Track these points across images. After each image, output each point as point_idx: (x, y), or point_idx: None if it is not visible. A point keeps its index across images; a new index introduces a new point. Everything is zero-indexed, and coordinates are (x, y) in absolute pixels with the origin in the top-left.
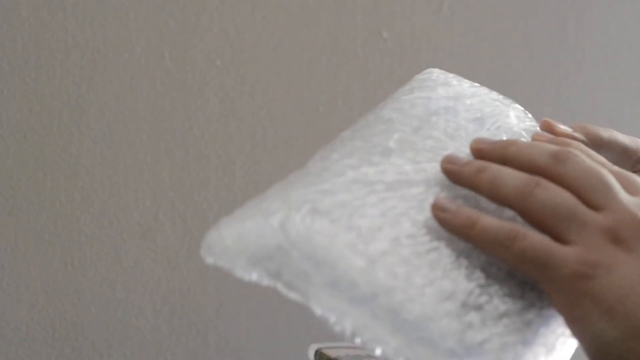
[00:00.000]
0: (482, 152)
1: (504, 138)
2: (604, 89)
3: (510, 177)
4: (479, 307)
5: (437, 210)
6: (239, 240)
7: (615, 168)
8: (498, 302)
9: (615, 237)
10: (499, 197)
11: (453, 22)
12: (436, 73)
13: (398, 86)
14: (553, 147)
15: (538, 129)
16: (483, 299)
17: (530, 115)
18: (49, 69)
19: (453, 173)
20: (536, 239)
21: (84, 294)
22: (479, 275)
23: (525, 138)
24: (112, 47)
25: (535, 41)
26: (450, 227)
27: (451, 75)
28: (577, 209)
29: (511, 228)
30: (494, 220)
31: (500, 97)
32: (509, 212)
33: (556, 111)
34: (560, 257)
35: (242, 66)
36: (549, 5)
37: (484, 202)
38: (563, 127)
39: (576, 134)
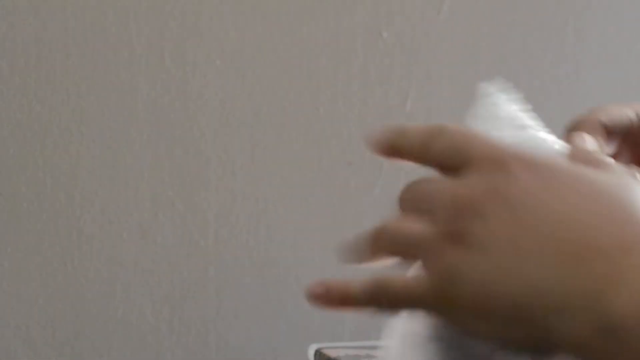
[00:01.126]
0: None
1: None
2: (604, 90)
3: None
4: None
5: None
6: None
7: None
8: None
9: (452, 239)
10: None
11: (453, 22)
12: None
13: (398, 86)
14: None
15: None
16: None
17: None
18: (49, 69)
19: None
20: (394, 283)
21: (84, 294)
22: None
23: None
24: (112, 47)
25: (535, 42)
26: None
27: None
28: (409, 233)
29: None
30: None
31: None
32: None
33: (556, 111)
34: (416, 293)
35: (242, 66)
36: (549, 5)
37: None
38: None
39: None
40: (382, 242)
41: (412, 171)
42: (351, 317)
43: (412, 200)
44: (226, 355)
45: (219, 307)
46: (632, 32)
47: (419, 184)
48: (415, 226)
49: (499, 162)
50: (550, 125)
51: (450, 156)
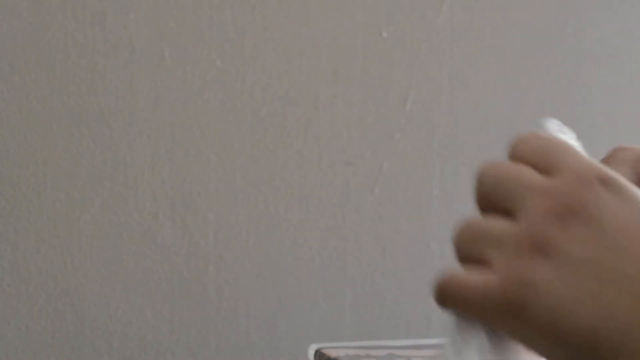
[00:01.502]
0: None
1: None
2: (604, 89)
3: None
4: None
5: None
6: None
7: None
8: None
9: (533, 247)
10: None
11: (453, 22)
12: None
13: (398, 86)
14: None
15: None
16: None
17: None
18: (49, 69)
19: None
20: (460, 280)
21: (84, 294)
22: None
23: None
24: (112, 47)
25: (535, 41)
26: None
27: None
28: (488, 229)
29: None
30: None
31: None
32: None
33: (556, 111)
34: (483, 292)
35: (242, 66)
36: (549, 5)
37: None
38: None
39: None
40: (464, 242)
41: (411, 172)
42: (351, 317)
43: (497, 187)
44: (226, 355)
45: (219, 307)
46: (632, 32)
47: (505, 168)
48: (498, 223)
49: (588, 179)
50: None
51: (538, 156)
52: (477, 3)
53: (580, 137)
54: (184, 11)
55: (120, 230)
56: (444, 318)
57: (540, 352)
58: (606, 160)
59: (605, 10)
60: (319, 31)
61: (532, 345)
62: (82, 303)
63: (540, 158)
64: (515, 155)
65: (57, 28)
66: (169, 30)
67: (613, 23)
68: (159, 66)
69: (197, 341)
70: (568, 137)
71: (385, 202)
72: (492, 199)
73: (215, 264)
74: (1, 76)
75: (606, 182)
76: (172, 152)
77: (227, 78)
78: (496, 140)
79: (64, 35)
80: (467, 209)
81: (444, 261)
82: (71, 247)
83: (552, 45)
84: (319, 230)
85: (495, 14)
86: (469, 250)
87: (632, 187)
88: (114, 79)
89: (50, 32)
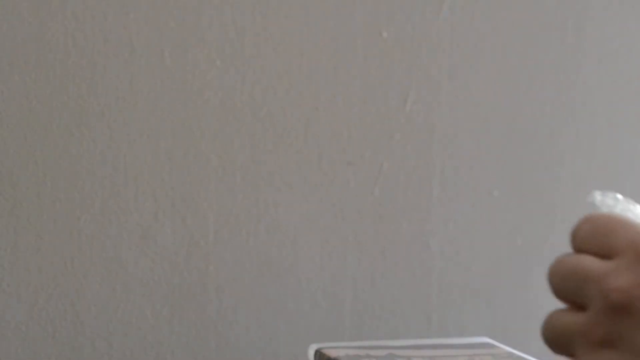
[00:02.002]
0: None
1: None
2: (604, 89)
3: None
4: None
5: None
6: None
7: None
8: None
9: (601, 340)
10: None
11: (453, 22)
12: None
13: (398, 86)
14: None
15: None
16: None
17: None
18: (49, 69)
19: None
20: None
21: (84, 294)
22: None
23: None
24: (112, 47)
25: (535, 41)
26: None
27: None
28: (566, 324)
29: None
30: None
31: None
32: None
33: (556, 111)
34: None
35: (242, 66)
36: (549, 5)
37: None
38: None
39: None
40: (550, 334)
41: (411, 172)
42: (351, 317)
43: (564, 284)
44: (226, 355)
45: (219, 307)
46: (632, 32)
47: (567, 264)
48: (572, 317)
49: None
50: (551, 124)
51: (594, 243)
52: (477, 3)
53: (580, 137)
54: (184, 11)
55: (120, 230)
56: (443, 318)
57: None
58: None
59: (605, 10)
60: (319, 31)
61: None
62: (82, 303)
63: (597, 244)
64: (576, 246)
65: (57, 28)
66: (169, 30)
67: (613, 23)
68: (159, 66)
69: (197, 341)
70: (622, 206)
71: (385, 202)
72: (563, 296)
73: (215, 264)
74: (1, 76)
75: None
76: (172, 152)
77: (227, 78)
78: (496, 140)
79: (64, 35)
80: (467, 209)
81: (444, 261)
82: (71, 247)
83: (552, 45)
84: (319, 230)
85: (495, 14)
86: (555, 346)
87: None
88: (114, 79)
89: (50, 32)
